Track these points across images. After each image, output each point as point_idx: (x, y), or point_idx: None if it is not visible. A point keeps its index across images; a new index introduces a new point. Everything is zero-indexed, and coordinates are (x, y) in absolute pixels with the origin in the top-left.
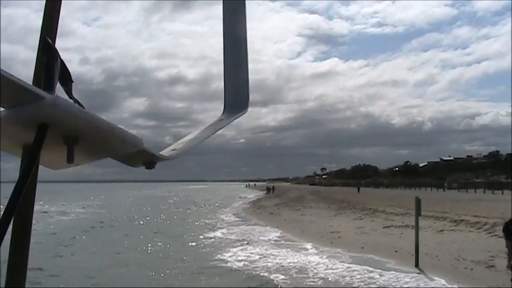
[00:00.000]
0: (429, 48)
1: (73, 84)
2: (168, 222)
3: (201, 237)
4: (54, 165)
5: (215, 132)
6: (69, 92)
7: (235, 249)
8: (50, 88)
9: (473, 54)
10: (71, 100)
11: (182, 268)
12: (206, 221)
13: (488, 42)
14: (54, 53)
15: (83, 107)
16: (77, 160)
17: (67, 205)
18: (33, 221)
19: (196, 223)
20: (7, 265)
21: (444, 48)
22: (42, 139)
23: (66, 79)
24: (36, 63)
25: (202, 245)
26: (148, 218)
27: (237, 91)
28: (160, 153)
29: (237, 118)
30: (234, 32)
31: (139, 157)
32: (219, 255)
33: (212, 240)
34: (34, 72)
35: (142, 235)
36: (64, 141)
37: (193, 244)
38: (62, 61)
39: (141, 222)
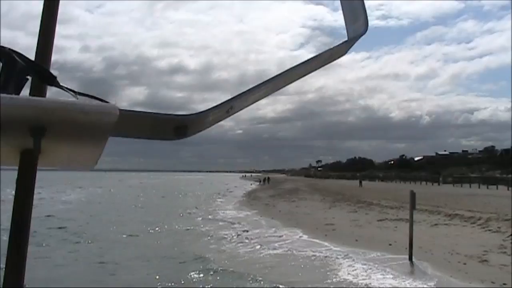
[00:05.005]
0: (433, 42)
1: (57, 77)
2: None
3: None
4: (73, 165)
5: (332, 61)
6: (56, 85)
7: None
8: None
9: (476, 49)
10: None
11: None
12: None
13: (492, 37)
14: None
15: (75, 93)
16: (86, 154)
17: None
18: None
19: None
20: (5, 265)
21: (447, 42)
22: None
23: (48, 79)
24: (36, 48)
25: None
26: None
27: (355, 15)
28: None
29: (357, 40)
30: None
31: (166, 125)
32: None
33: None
34: (34, 58)
35: None
36: (30, 135)
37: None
38: (32, 61)
39: None
